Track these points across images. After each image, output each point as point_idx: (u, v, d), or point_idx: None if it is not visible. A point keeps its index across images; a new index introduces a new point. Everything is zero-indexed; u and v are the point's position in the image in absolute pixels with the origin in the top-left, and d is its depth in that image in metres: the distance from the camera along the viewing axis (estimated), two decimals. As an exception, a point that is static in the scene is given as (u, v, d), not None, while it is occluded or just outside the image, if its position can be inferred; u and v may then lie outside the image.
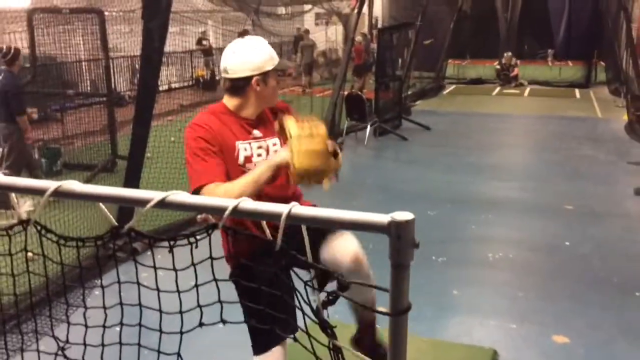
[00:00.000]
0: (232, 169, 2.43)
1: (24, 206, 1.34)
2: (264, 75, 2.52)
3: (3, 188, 1.33)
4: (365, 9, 15.59)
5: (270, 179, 2.37)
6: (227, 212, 1.20)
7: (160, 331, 1.51)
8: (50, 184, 1.28)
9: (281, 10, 16.45)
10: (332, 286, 1.22)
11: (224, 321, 1.43)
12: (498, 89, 18.61)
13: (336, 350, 1.22)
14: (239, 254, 2.35)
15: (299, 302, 1.22)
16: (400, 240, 1.11)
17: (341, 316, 2.38)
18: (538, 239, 6.32)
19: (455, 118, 13.95)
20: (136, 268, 1.48)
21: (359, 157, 10.31)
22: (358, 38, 19.38)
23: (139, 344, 1.50)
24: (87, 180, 7.97)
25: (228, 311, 1.44)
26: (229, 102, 2.58)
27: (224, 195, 2.18)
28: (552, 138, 11.64)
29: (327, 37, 22.61)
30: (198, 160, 2.39)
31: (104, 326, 1.49)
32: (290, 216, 1.17)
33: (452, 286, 5.19)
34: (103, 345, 1.49)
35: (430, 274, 5.19)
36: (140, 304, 1.50)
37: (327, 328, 1.21)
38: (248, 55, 2.51)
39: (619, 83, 16.33)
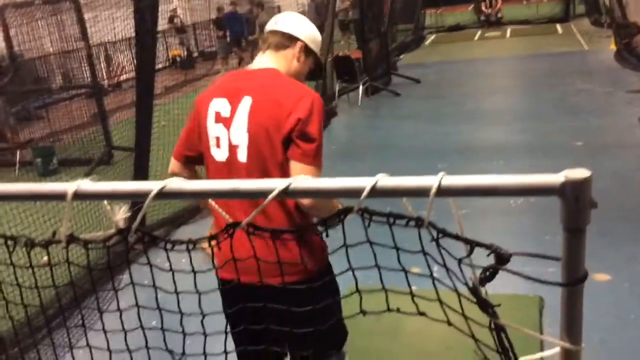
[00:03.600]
0: None
1: (119, 213, 1.19)
2: (307, 48, 2.34)
3: (96, 196, 1.17)
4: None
5: None
6: (364, 193, 1.05)
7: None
8: (152, 185, 1.13)
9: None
10: (489, 260, 1.10)
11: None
12: (479, 32, 18.40)
13: (499, 330, 1.10)
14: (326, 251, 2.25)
15: (452, 281, 1.09)
16: (578, 202, 0.98)
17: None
18: (555, 179, 6.24)
19: (443, 67, 13.78)
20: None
21: (356, 118, 10.16)
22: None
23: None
24: (86, 176, 7.73)
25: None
26: (272, 62, 2.29)
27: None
28: (545, 76, 11.52)
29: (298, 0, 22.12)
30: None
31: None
32: (440, 189, 1.03)
33: (480, 237, 5.11)
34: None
35: (455, 228, 5.10)
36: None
37: (487, 307, 1.08)
38: (307, 22, 2.38)
39: (599, 14, 16.21)
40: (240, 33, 15.82)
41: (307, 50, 2.32)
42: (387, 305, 1.16)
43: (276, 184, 1.09)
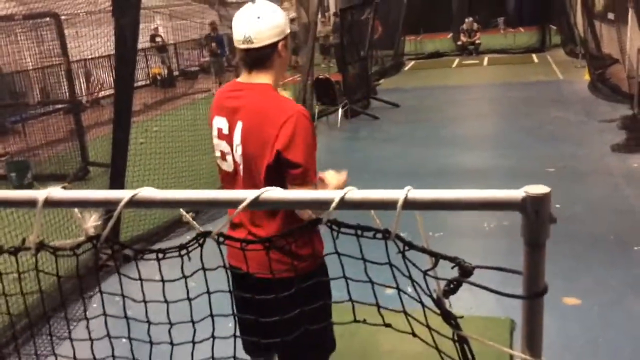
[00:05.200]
0: None
1: (90, 221, 1.20)
2: (286, 40, 2.28)
3: (67, 203, 1.18)
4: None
5: None
6: (333, 204, 1.08)
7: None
8: (124, 194, 1.14)
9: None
10: (452, 273, 1.12)
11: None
12: (457, 60, 18.73)
13: (462, 342, 1.12)
14: (320, 253, 2.26)
15: (417, 293, 1.12)
16: (538, 217, 1.01)
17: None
18: (529, 204, 6.35)
19: (421, 93, 13.97)
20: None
21: (334, 140, 10.22)
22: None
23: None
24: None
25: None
26: (263, 78, 2.27)
27: None
28: (520, 104, 11.74)
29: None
30: (314, 155, 2.23)
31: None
32: (407, 201, 1.06)
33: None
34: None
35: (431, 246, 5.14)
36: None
37: (450, 319, 1.11)
38: (273, 18, 2.22)
39: (574, 44, 16.61)
40: (221, 54, 16.04)
41: (285, 41, 2.28)
42: (354, 317, 1.18)
43: (246, 195, 1.11)
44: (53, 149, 9.07)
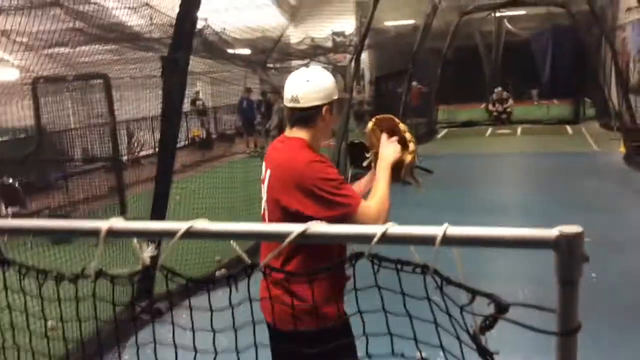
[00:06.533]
0: None
1: (147, 251, 1.29)
2: (331, 104, 2.45)
3: (128, 233, 1.27)
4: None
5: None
6: (375, 240, 1.15)
7: None
8: (181, 225, 1.23)
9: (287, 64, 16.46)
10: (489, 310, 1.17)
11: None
12: (490, 129, 18.85)
13: (497, 379, 1.15)
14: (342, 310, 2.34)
15: (454, 329, 1.16)
16: (571, 256, 1.07)
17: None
18: (564, 272, 6.25)
19: (454, 160, 14.05)
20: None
21: (366, 205, 10.27)
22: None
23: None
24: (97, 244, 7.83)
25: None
26: (301, 134, 2.44)
27: (378, 213, 2.29)
28: (554, 174, 11.71)
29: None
30: (341, 188, 2.29)
31: None
32: (445, 237, 1.13)
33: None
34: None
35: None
36: None
37: (486, 355, 1.15)
38: (321, 82, 2.42)
39: (609, 117, 16.62)
40: (252, 119, 16.51)
41: (330, 105, 2.45)
42: (391, 350, 1.22)
43: (294, 228, 1.19)
44: (93, 204, 9.34)
